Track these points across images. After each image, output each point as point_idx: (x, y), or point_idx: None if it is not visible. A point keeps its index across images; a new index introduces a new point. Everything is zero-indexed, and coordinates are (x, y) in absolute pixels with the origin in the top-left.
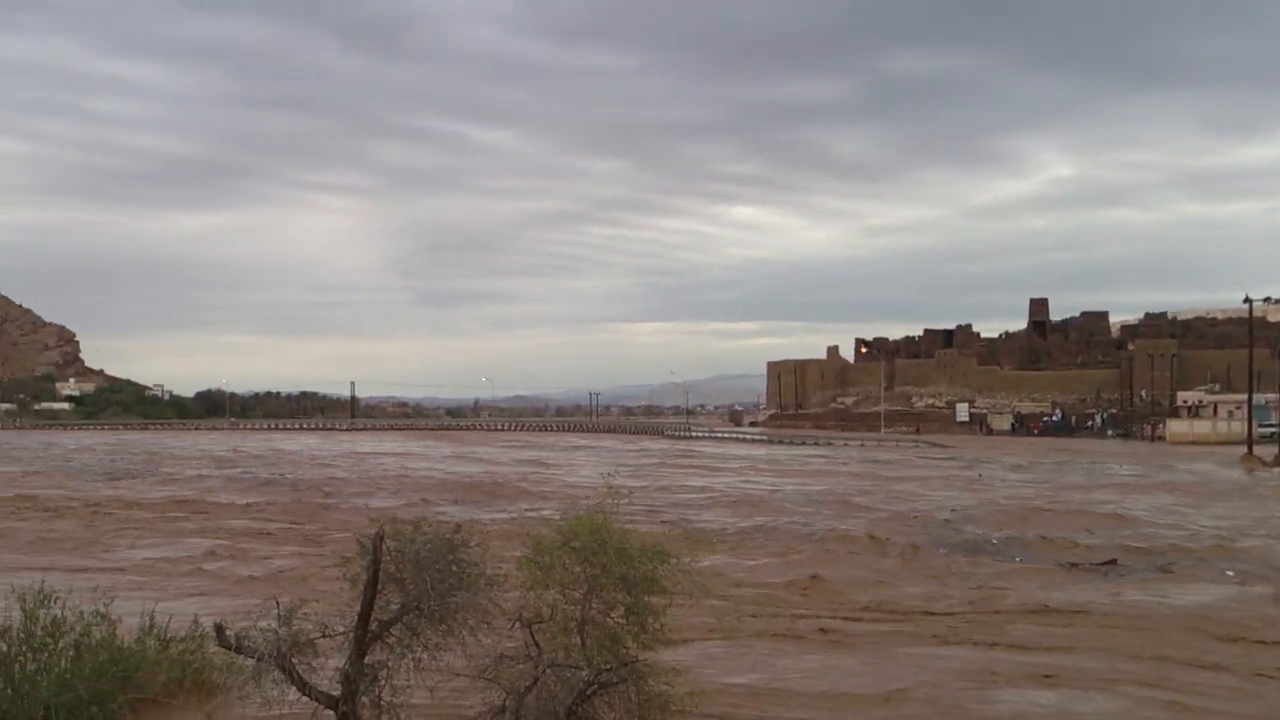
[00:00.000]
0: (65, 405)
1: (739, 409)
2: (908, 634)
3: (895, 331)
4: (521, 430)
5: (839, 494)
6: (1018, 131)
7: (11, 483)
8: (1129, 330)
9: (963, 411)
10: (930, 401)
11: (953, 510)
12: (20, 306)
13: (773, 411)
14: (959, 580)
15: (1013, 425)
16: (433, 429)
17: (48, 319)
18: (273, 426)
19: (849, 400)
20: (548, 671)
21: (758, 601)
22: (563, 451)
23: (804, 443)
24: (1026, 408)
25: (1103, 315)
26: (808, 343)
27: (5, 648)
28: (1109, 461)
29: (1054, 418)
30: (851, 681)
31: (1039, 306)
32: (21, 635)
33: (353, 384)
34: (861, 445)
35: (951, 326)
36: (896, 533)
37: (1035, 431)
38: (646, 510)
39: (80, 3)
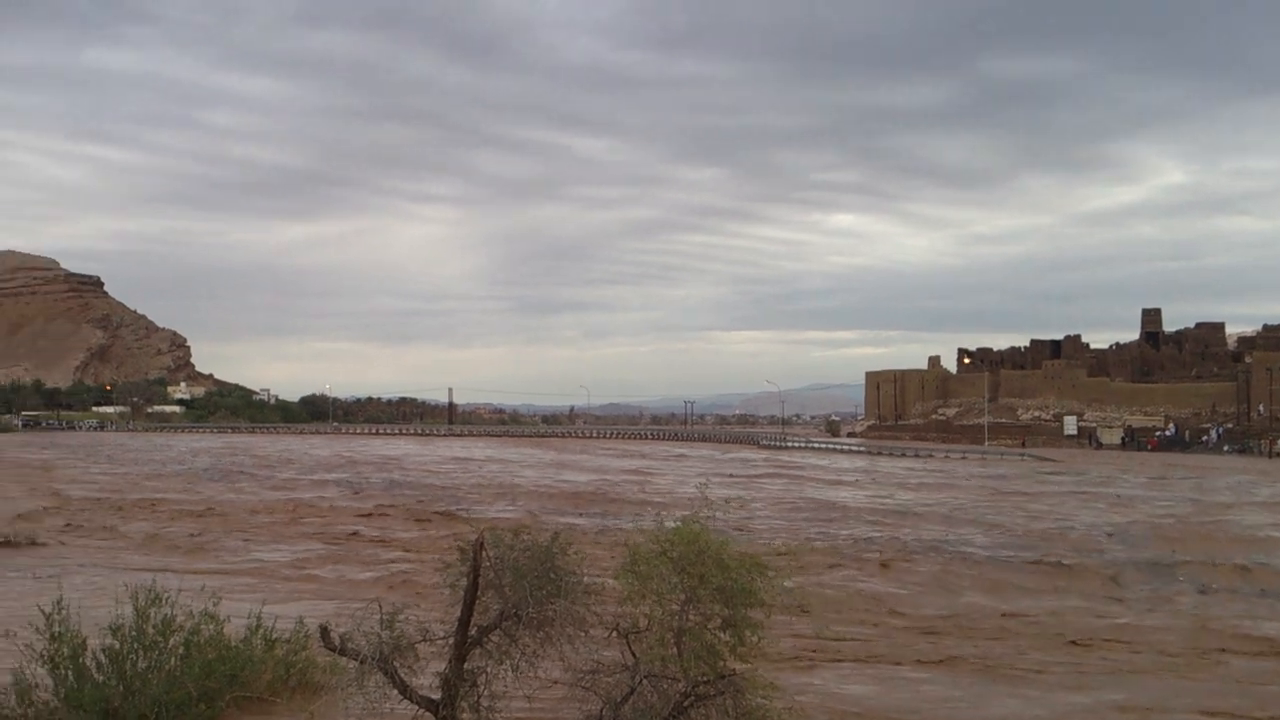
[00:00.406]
0: (176, 408)
1: (836, 419)
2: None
3: (998, 342)
4: (617, 439)
5: (971, 510)
6: (1128, 137)
7: (134, 485)
8: (1245, 342)
9: (1070, 424)
10: (1036, 414)
11: (1109, 531)
12: (135, 312)
13: (871, 422)
14: (1176, 611)
15: (1123, 439)
16: (529, 436)
17: (161, 324)
18: (373, 431)
19: (950, 412)
20: (644, 682)
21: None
22: (665, 460)
23: (904, 454)
24: (1137, 421)
25: (1218, 326)
26: (908, 352)
27: (118, 645)
28: (1232, 476)
29: (1168, 432)
30: None
31: (1152, 317)
32: (134, 633)
33: (450, 390)
34: (964, 458)
35: (1057, 337)
36: (1065, 555)
37: (1149, 446)
38: (785, 524)
39: (191, 17)
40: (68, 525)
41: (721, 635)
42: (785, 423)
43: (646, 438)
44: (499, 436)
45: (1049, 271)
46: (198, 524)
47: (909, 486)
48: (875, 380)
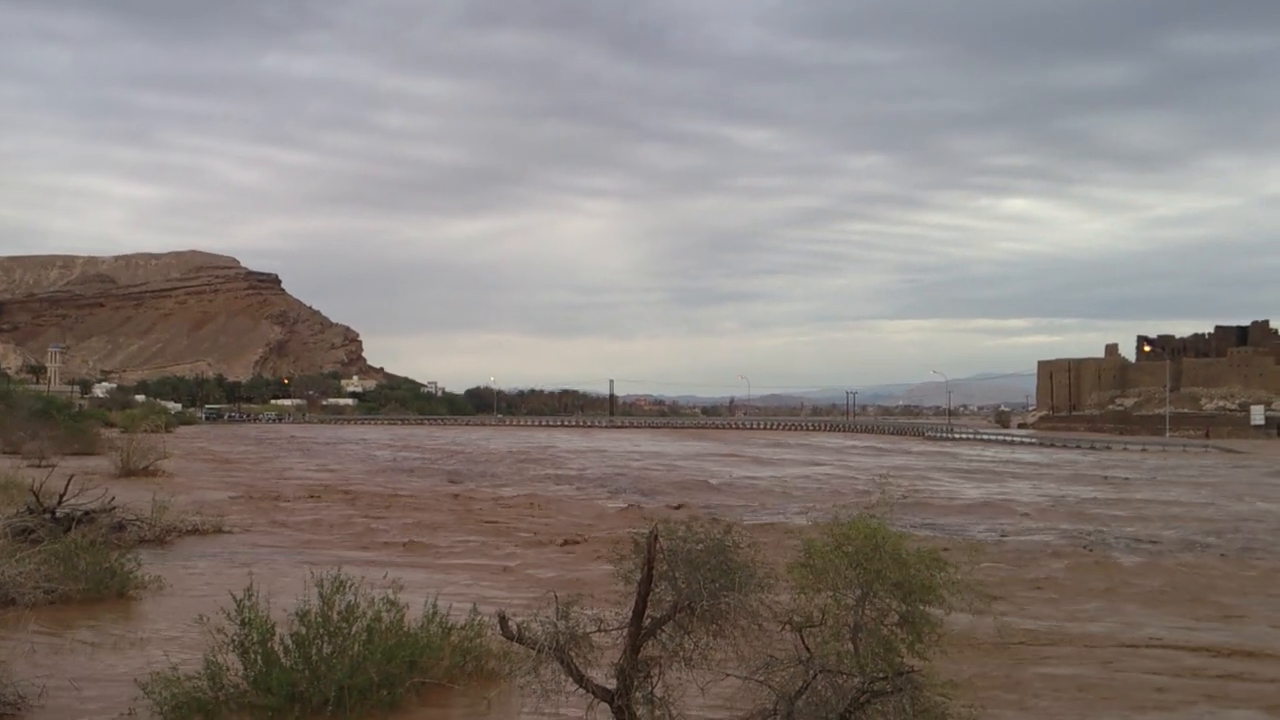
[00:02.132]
0: (349, 401)
1: (1006, 409)
2: None
3: (1178, 329)
4: (779, 430)
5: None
6: None
7: (340, 478)
8: None
9: (1258, 414)
10: (1221, 403)
11: None
12: (310, 308)
13: (1044, 413)
14: None
15: None
16: (690, 428)
17: (334, 320)
18: (538, 423)
19: (1129, 402)
20: (819, 677)
21: None
22: (828, 453)
23: (1078, 446)
24: None
25: None
26: (1083, 341)
27: (305, 631)
28: None
29: None
30: None
31: None
32: (319, 620)
33: (611, 382)
34: (1144, 450)
35: (1244, 324)
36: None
37: None
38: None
39: (366, 22)
40: (256, 514)
41: (898, 631)
42: (951, 413)
43: (807, 428)
44: (658, 429)
45: (1235, 255)
46: (389, 513)
47: (1118, 485)
48: (1048, 369)
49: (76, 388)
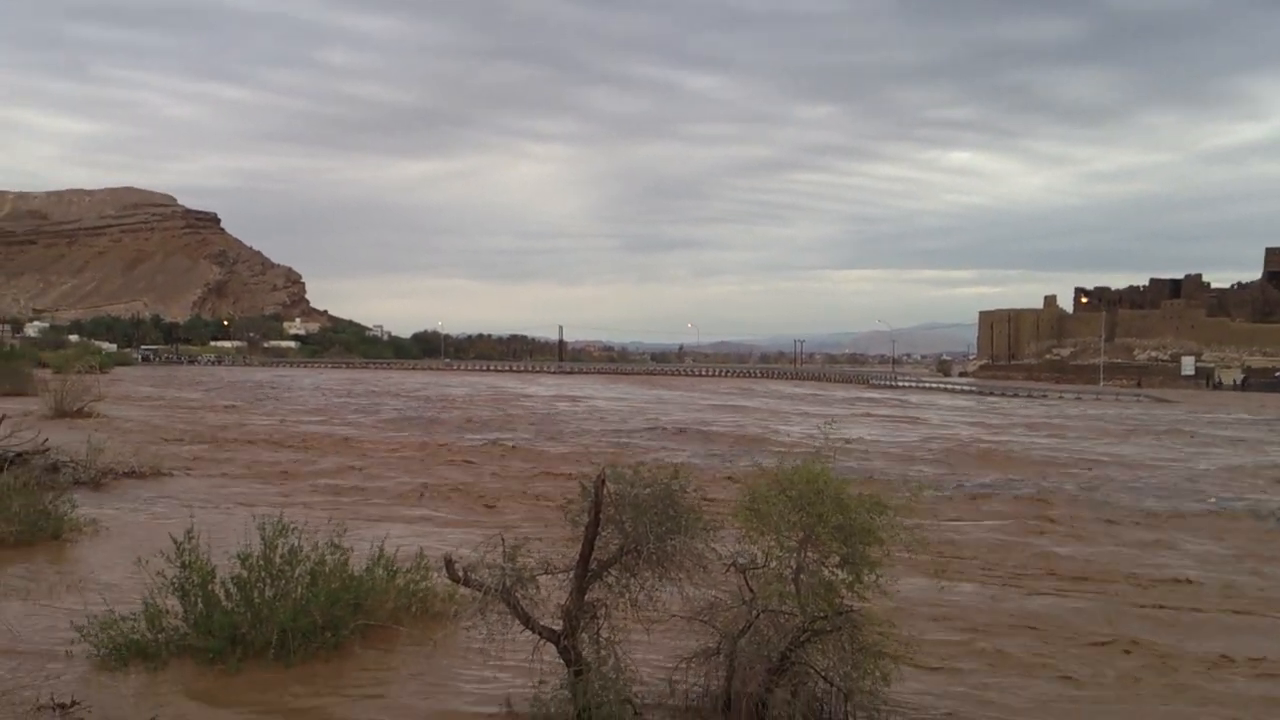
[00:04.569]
0: (291, 343)
1: (948, 359)
2: None
3: (1115, 282)
4: (726, 376)
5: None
6: (1257, 72)
7: (278, 422)
8: None
9: (1188, 365)
10: (1153, 354)
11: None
12: (251, 249)
13: (984, 362)
14: None
15: (1242, 380)
16: (639, 374)
17: (276, 261)
18: (485, 368)
19: (1065, 352)
20: (761, 616)
21: None
22: (773, 399)
23: (1016, 395)
24: (1257, 362)
25: None
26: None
27: (246, 574)
28: None
29: None
30: None
31: (1275, 257)
32: (261, 563)
33: (560, 328)
34: (1078, 399)
35: (1177, 276)
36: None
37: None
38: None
39: None
40: (196, 458)
41: (839, 573)
42: (895, 362)
43: (755, 375)
44: (608, 374)
45: (1169, 210)
46: (338, 455)
47: (1053, 429)
48: (989, 320)
49: (7, 327)
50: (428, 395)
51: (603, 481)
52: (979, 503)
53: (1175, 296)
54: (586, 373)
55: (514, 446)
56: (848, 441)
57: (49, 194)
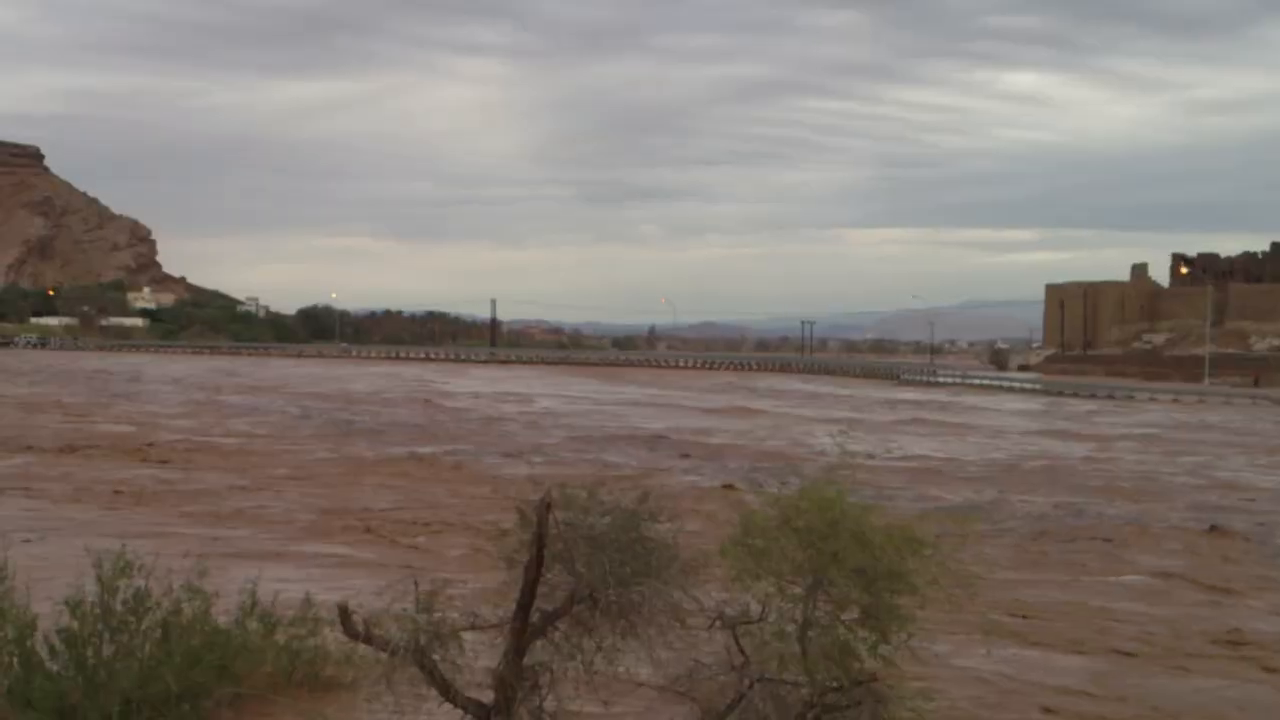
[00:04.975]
0: (138, 321)
1: (1003, 347)
2: None
3: (1227, 247)
4: (711, 369)
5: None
6: None
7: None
8: None
9: None
10: (1275, 343)
11: None
12: (85, 195)
13: (1051, 352)
14: None
15: None
16: (598, 364)
17: (118, 211)
18: (395, 356)
19: (1159, 339)
20: (756, 686)
21: None
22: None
23: (1094, 394)
24: None
25: None
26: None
27: (77, 626)
28: None
29: None
30: None
31: None
32: (97, 612)
33: (493, 303)
34: (1175, 399)
35: None
36: None
37: None
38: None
39: None
40: (15, 474)
41: (859, 630)
42: (934, 351)
43: (751, 368)
44: (555, 364)
45: None
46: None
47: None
48: (1058, 296)
49: None
50: (323, 392)
51: (548, 507)
52: (1115, 548)
53: None
54: (530, 362)
55: (458, 465)
56: (871, 456)
57: None
